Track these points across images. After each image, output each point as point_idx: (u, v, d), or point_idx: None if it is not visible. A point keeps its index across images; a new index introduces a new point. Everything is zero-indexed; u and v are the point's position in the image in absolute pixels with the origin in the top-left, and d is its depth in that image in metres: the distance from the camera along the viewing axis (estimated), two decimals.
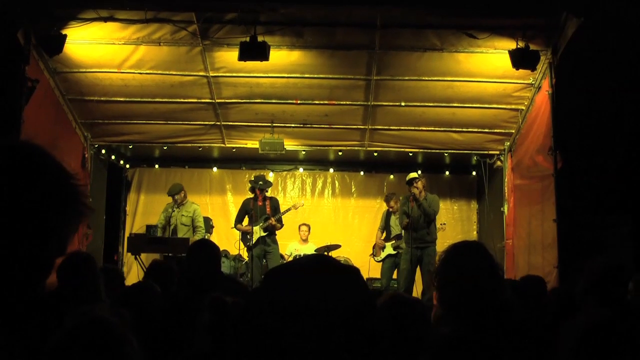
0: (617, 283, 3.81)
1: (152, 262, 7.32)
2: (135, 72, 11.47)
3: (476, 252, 3.18)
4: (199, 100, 12.38)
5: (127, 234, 15.13)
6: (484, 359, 2.80)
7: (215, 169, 16.30)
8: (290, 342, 1.49)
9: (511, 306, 3.04)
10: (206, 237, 13.98)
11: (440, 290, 3.17)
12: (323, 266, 1.64)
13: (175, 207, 12.99)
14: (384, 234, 13.16)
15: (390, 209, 13.03)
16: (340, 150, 14.52)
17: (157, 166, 16.34)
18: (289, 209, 13.36)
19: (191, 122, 13.19)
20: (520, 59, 10.14)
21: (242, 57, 10.16)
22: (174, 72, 11.57)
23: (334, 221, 16.28)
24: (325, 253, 13.36)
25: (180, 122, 13.17)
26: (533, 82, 11.31)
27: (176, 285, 6.17)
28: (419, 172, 12.45)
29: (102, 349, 2.02)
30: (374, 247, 13.25)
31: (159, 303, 5.00)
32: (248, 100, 12.39)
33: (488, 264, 3.09)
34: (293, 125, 13.19)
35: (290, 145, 13.70)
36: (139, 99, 12.25)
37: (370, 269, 13.07)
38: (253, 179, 13.40)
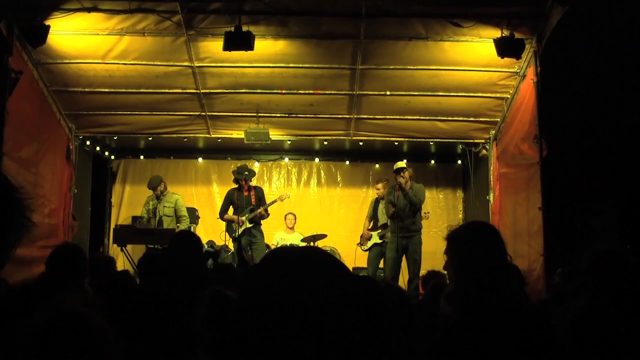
0: (613, 269, 3.77)
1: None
2: (120, 62, 11.40)
3: (488, 232, 3.19)
4: (184, 91, 12.34)
5: (112, 226, 15.11)
6: (487, 342, 2.81)
7: (200, 159, 16.30)
8: (286, 339, 1.49)
9: (516, 290, 3.07)
10: (192, 227, 14.02)
11: (450, 268, 3.18)
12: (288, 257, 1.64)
13: (156, 199, 13.00)
14: (371, 223, 13.17)
15: (377, 191, 12.98)
16: (325, 140, 14.53)
17: (142, 157, 16.32)
18: (274, 201, 13.38)
19: (176, 113, 13.16)
20: (505, 48, 10.15)
21: (227, 47, 10.12)
22: (159, 63, 11.52)
23: (319, 211, 16.31)
24: (312, 243, 13.42)
25: (165, 113, 13.13)
26: (518, 71, 11.34)
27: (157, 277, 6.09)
28: (405, 161, 12.46)
29: (75, 341, 2.00)
30: (361, 237, 13.27)
31: (137, 293, 5.00)
32: (233, 90, 12.36)
33: (498, 247, 3.11)
34: (278, 115, 13.18)
35: (275, 135, 13.70)
36: (123, 90, 12.19)
37: (357, 258, 13.08)
38: (236, 170, 13.35)
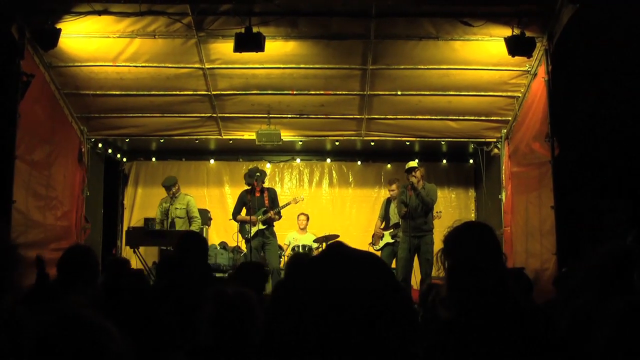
0: (622, 271, 3.68)
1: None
2: (131, 65, 11.43)
3: (481, 232, 3.17)
4: (195, 93, 12.35)
5: (125, 228, 15.15)
6: (480, 344, 2.79)
7: (212, 161, 16.33)
8: (322, 334, 1.49)
9: (512, 290, 3.03)
10: (204, 229, 14.04)
11: (445, 269, 3.16)
12: (343, 257, 1.64)
13: (169, 200, 13.00)
14: (383, 223, 13.17)
15: (391, 192, 12.98)
16: (337, 140, 14.52)
17: (154, 159, 16.36)
18: (288, 203, 13.36)
19: (187, 115, 13.18)
20: (516, 46, 10.11)
21: (238, 48, 10.12)
22: (170, 65, 11.54)
23: (331, 211, 16.32)
24: (324, 243, 13.41)
25: (177, 115, 13.16)
26: (529, 69, 11.30)
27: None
28: (417, 160, 12.44)
29: (76, 343, 2.00)
30: (373, 236, 13.26)
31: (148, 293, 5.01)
32: (244, 92, 12.37)
33: (491, 246, 3.09)
34: (289, 115, 13.19)
35: (286, 136, 13.71)
36: (134, 92, 12.22)
37: None
38: (247, 173, 13.30)
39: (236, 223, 13.20)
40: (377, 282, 1.60)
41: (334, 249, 1.70)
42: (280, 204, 13.13)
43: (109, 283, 5.45)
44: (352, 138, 14.28)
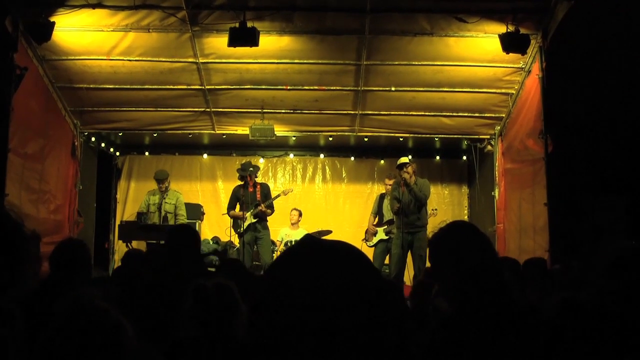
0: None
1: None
2: (125, 59, 11.40)
3: (469, 231, 3.16)
4: (189, 87, 12.34)
5: (117, 222, 15.11)
6: (483, 339, 2.79)
7: (205, 155, 16.29)
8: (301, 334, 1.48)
9: (508, 286, 3.02)
10: (197, 223, 14.01)
11: (435, 269, 3.16)
12: (314, 251, 1.62)
13: (160, 194, 12.95)
14: (377, 219, 13.15)
15: (388, 186, 12.88)
16: (330, 136, 14.50)
17: (147, 153, 16.32)
18: (278, 195, 13.35)
19: (181, 109, 13.16)
20: (511, 43, 10.13)
21: (232, 43, 10.11)
22: (164, 59, 11.52)
23: (325, 207, 16.30)
24: None
25: (170, 109, 13.14)
26: (523, 66, 11.31)
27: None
28: (409, 157, 12.43)
29: (97, 336, 2.00)
30: (366, 232, 13.24)
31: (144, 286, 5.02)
32: (238, 87, 12.36)
33: (481, 244, 3.08)
34: (283, 111, 13.17)
35: (280, 131, 13.69)
36: (128, 86, 12.20)
37: None
38: (240, 167, 13.29)
39: (229, 218, 13.19)
40: (361, 271, 1.59)
41: (308, 240, 1.69)
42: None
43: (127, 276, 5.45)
44: (346, 134, 14.26)
